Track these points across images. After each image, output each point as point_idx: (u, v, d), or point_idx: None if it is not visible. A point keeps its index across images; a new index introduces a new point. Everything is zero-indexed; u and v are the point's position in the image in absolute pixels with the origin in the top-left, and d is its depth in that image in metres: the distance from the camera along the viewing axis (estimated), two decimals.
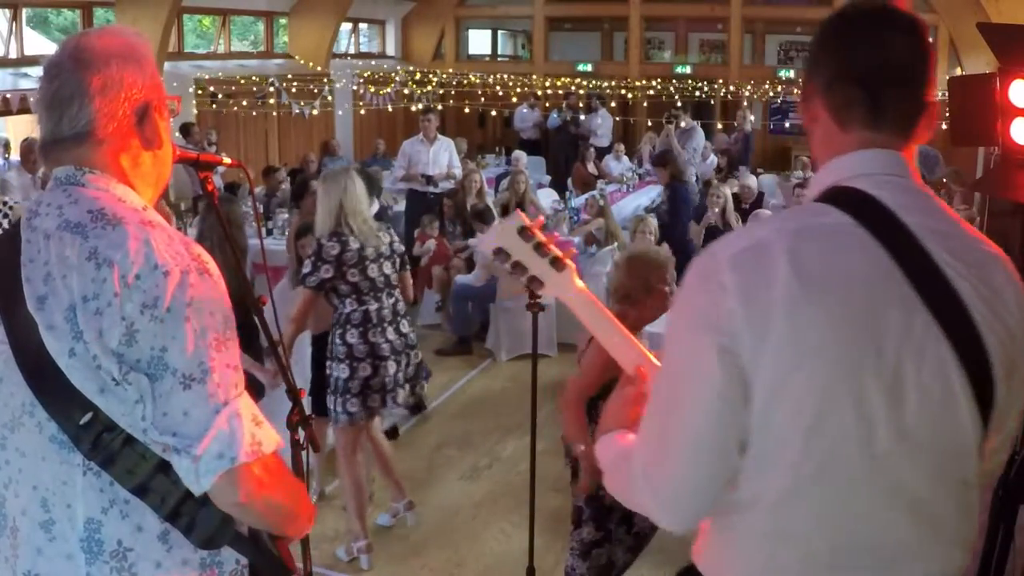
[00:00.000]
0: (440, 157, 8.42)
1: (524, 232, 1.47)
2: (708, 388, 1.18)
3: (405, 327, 4.04)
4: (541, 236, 1.48)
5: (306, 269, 3.80)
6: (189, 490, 1.30)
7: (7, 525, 1.37)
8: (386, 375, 3.91)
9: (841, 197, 1.24)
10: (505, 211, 8.35)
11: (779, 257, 1.17)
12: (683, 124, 9.30)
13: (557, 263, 1.47)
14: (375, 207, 5.16)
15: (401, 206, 8.85)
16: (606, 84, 14.95)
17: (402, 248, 4.11)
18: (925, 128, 1.28)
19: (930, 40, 1.26)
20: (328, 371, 3.93)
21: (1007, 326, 1.23)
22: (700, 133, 9.66)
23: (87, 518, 1.32)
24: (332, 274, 3.78)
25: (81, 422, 1.28)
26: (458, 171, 8.42)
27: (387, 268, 3.94)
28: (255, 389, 4.11)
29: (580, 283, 1.49)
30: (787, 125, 14.66)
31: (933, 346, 1.18)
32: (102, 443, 1.29)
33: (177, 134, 9.47)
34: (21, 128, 9.42)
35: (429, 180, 8.32)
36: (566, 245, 1.53)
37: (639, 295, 3.08)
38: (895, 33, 1.24)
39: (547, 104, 14.26)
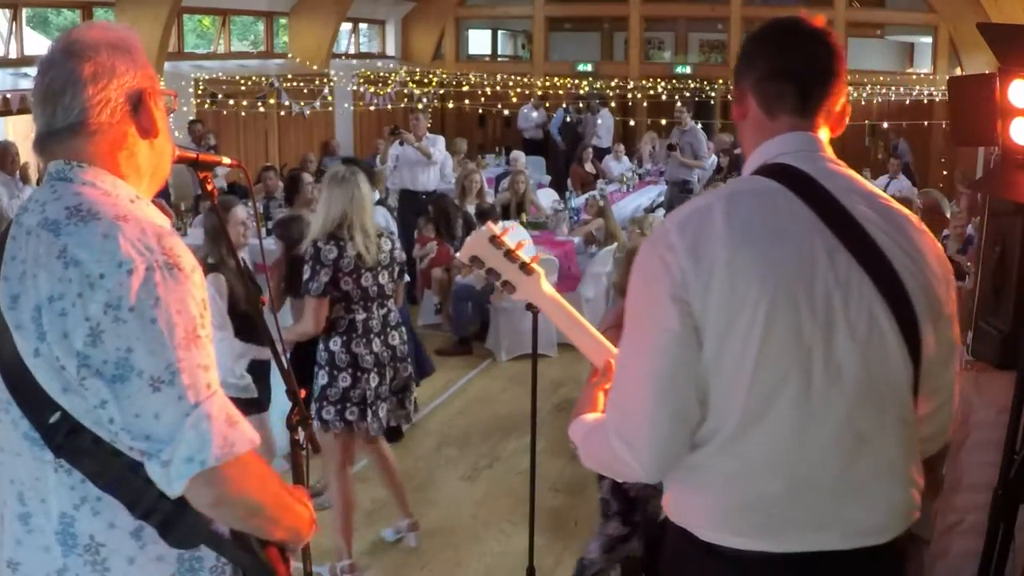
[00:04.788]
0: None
1: (494, 240, 1.62)
2: (666, 335, 1.34)
3: (395, 339, 3.89)
4: (509, 244, 1.64)
5: (306, 276, 3.66)
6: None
7: None
8: (367, 388, 3.77)
9: (767, 169, 1.45)
10: (505, 211, 8.37)
11: (717, 216, 1.37)
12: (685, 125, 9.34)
13: (526, 268, 1.64)
14: (375, 197, 5.09)
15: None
16: (606, 84, 14.95)
17: (403, 256, 3.97)
18: (840, 117, 1.50)
19: (840, 46, 1.48)
20: (315, 377, 3.82)
21: (926, 276, 1.40)
22: (702, 133, 9.72)
23: (60, 513, 1.33)
24: (329, 278, 3.65)
25: (50, 421, 1.28)
26: (437, 154, 8.40)
27: (383, 278, 3.79)
28: (258, 401, 4.07)
29: (548, 287, 1.67)
30: None
31: (857, 283, 1.35)
32: (71, 442, 1.29)
33: (177, 133, 9.48)
34: (21, 128, 9.38)
35: (394, 131, 8.47)
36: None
37: None
38: (814, 40, 1.47)
39: (547, 104, 14.26)
